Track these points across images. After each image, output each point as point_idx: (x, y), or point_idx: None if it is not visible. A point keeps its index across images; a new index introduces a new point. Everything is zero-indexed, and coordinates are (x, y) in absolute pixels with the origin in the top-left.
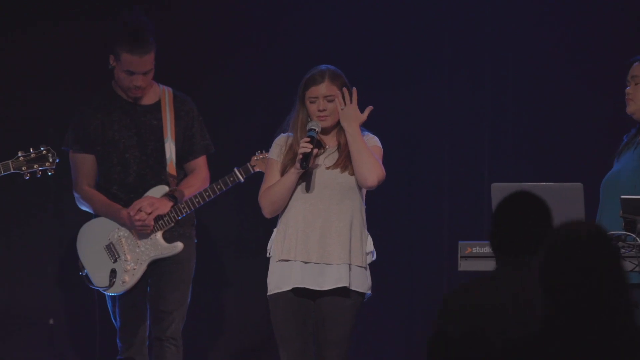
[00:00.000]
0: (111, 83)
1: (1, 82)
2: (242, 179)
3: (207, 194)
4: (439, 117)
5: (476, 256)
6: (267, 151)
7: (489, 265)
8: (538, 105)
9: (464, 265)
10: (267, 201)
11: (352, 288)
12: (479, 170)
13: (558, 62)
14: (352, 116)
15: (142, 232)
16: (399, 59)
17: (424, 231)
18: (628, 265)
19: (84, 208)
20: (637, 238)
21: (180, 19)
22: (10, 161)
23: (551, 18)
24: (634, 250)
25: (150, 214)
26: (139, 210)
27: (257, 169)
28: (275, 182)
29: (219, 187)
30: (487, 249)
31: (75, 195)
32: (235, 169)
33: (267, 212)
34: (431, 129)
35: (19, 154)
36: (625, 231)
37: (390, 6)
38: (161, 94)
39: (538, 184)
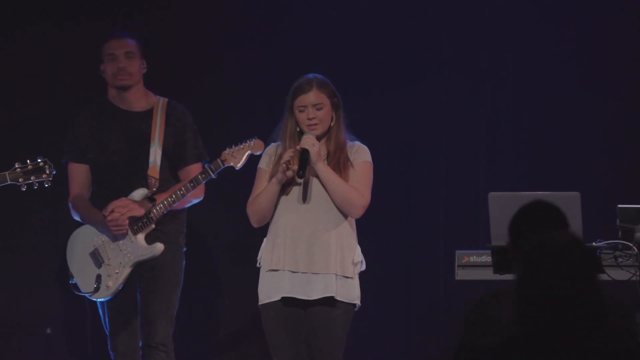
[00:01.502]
0: (106, 95)
1: None
2: (213, 175)
3: (181, 192)
4: (438, 118)
5: (473, 265)
6: (237, 145)
7: (486, 275)
8: (538, 106)
9: (461, 274)
10: (251, 210)
11: (338, 298)
12: (476, 177)
13: (558, 62)
14: (314, 153)
15: (118, 234)
16: (398, 59)
17: (420, 239)
18: (625, 274)
19: (76, 218)
20: (635, 247)
21: (180, 19)
22: (7, 173)
23: (551, 18)
24: (632, 259)
25: (123, 214)
26: (112, 211)
27: (227, 164)
28: (260, 192)
29: (192, 184)
30: (484, 258)
31: (69, 205)
32: (206, 166)
33: (254, 221)
34: (430, 130)
35: (16, 166)
36: (622, 240)
37: (390, 6)
38: (155, 102)
39: (535, 193)
